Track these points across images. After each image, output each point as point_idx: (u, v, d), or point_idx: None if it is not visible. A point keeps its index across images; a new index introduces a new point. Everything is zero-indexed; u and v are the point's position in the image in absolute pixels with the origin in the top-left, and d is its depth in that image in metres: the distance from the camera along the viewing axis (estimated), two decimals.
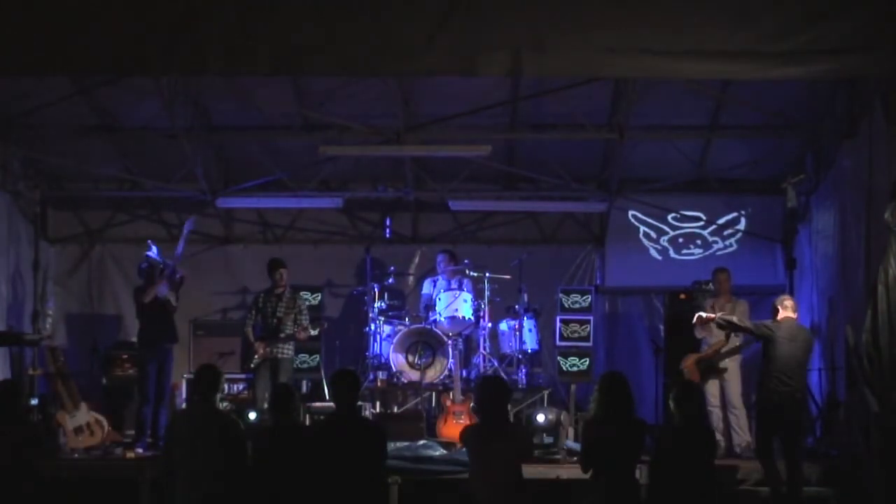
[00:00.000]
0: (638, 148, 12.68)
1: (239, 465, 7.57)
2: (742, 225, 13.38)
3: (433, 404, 12.40)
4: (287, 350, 11.52)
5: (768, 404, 9.62)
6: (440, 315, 12.35)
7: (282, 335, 11.44)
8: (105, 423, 10.92)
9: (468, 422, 10.81)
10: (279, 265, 11.76)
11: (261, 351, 11.36)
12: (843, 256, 11.06)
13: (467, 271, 12.79)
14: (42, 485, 8.37)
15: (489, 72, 9.42)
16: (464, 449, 8.06)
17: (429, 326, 12.42)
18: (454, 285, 12.64)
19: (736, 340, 10.84)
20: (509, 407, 8.74)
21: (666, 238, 13.49)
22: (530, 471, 9.57)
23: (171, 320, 11.48)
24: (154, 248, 11.48)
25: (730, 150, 12.94)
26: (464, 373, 12.25)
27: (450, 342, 12.19)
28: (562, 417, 10.43)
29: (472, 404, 11.06)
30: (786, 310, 9.94)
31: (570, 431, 11.11)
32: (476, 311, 12.49)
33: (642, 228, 13.52)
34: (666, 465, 7.53)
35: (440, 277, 12.99)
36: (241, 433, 7.79)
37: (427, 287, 13.16)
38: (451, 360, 12.11)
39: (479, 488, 7.35)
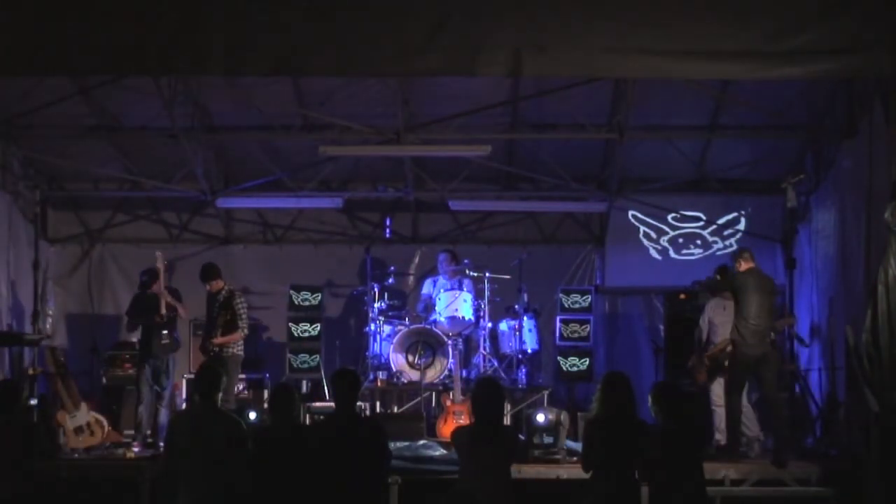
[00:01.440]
0: (638, 148, 12.68)
1: (240, 466, 7.56)
2: (742, 225, 13.37)
3: (433, 404, 12.40)
4: (228, 349, 11.27)
5: (747, 354, 10.25)
6: (440, 315, 12.36)
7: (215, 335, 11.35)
8: (105, 423, 10.91)
9: (468, 422, 10.80)
10: (207, 276, 11.56)
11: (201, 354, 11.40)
12: (843, 256, 11.06)
13: (467, 271, 12.79)
14: (41, 485, 8.36)
15: (489, 72, 9.42)
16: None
17: (429, 326, 12.42)
18: (454, 285, 12.64)
19: None
20: (506, 409, 8.78)
21: (666, 238, 13.48)
22: (530, 471, 9.64)
23: (171, 329, 11.52)
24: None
25: (730, 150, 12.94)
26: (464, 373, 12.25)
27: (450, 342, 12.19)
28: (561, 417, 10.40)
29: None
30: (748, 261, 10.50)
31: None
32: (476, 311, 12.49)
33: (642, 228, 13.51)
34: (657, 466, 7.48)
35: (440, 277, 12.99)
36: (244, 433, 7.77)
37: (427, 287, 13.16)
38: (451, 360, 12.11)
39: (470, 489, 7.32)
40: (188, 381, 12.20)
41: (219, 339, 11.25)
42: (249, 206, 13.79)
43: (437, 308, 12.50)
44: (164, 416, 11.26)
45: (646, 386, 12.17)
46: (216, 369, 8.19)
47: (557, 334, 12.76)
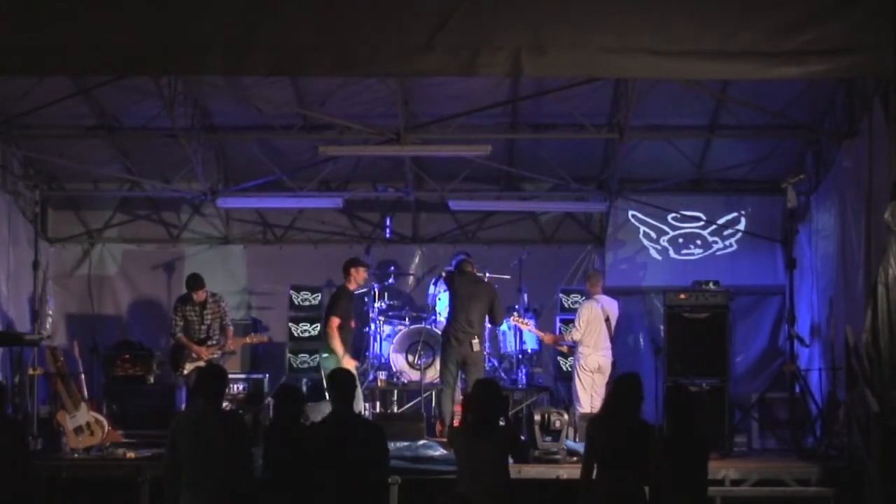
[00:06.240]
0: (638, 148, 12.69)
1: (243, 466, 7.55)
2: (742, 225, 13.38)
3: (433, 404, 12.39)
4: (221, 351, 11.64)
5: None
6: (440, 315, 12.35)
7: (210, 343, 11.52)
8: (105, 423, 10.91)
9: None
10: (192, 286, 11.65)
11: (203, 354, 11.43)
12: (843, 256, 11.05)
13: None
14: (41, 483, 8.34)
15: (489, 72, 9.41)
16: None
17: (429, 326, 12.42)
18: None
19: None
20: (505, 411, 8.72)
21: (666, 238, 13.48)
22: (530, 471, 9.64)
23: None
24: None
25: (730, 150, 12.94)
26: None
27: None
28: (552, 416, 10.32)
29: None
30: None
31: (570, 431, 11.08)
32: None
33: (642, 228, 13.51)
34: (660, 472, 7.46)
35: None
36: (247, 433, 7.76)
37: (431, 288, 13.14)
38: None
39: (467, 489, 7.30)
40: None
41: (232, 342, 11.59)
42: (249, 206, 13.78)
43: (437, 308, 12.49)
44: None
45: (646, 386, 12.15)
46: (222, 368, 8.20)
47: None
